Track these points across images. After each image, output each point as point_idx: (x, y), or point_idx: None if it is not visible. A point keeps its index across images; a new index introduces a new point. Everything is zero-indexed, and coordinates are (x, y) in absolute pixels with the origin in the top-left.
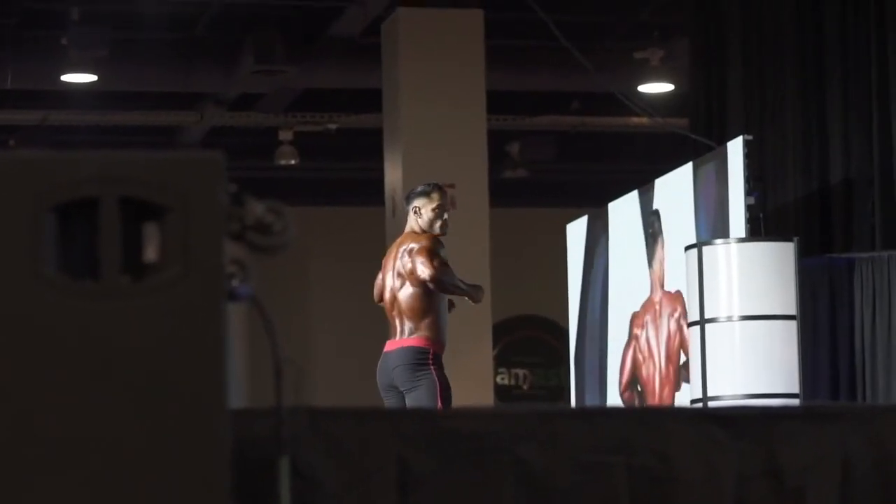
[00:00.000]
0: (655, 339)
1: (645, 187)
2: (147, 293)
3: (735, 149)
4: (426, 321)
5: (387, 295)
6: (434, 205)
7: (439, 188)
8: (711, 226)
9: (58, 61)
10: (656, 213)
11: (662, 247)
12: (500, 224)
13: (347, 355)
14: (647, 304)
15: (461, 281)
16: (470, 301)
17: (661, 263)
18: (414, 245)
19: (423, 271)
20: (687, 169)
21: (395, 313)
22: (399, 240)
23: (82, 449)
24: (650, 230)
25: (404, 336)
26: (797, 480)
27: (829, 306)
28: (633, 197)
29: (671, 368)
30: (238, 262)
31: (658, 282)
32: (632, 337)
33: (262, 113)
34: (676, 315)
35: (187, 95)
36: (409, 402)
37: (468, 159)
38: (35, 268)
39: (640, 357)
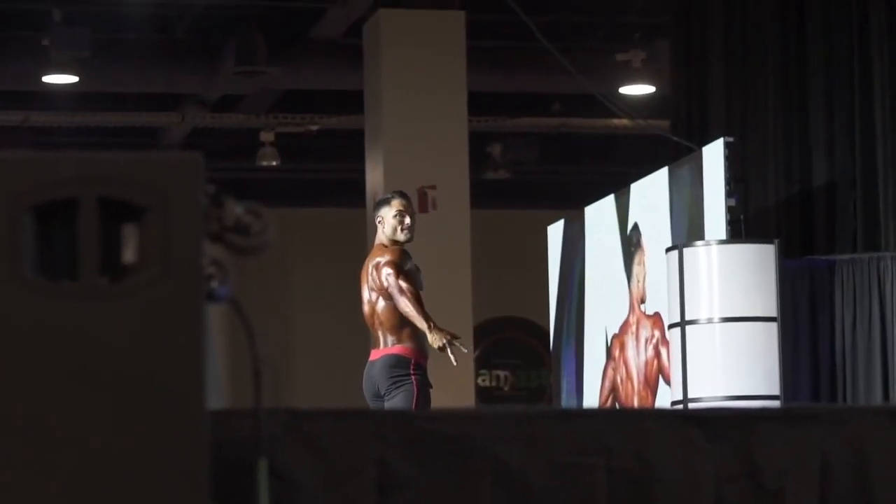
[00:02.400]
0: (635, 361)
1: (621, 191)
2: (126, 294)
3: (715, 151)
4: (406, 331)
5: (366, 308)
6: (394, 211)
7: (401, 194)
8: (686, 229)
9: (39, 62)
10: (636, 227)
11: (642, 263)
12: (482, 225)
13: (328, 356)
14: (625, 326)
15: (422, 310)
16: (427, 332)
17: (641, 281)
18: (380, 259)
19: (390, 281)
20: (663, 172)
21: (376, 325)
22: (370, 254)
23: (60, 449)
24: (629, 247)
25: (387, 346)
26: (776, 482)
27: (809, 308)
28: (609, 201)
29: (649, 393)
30: (217, 263)
31: (637, 300)
32: (611, 357)
33: (244, 114)
34: (654, 341)
35: (169, 97)
36: (387, 406)
37: (450, 160)
38: (13, 268)
39: (618, 379)
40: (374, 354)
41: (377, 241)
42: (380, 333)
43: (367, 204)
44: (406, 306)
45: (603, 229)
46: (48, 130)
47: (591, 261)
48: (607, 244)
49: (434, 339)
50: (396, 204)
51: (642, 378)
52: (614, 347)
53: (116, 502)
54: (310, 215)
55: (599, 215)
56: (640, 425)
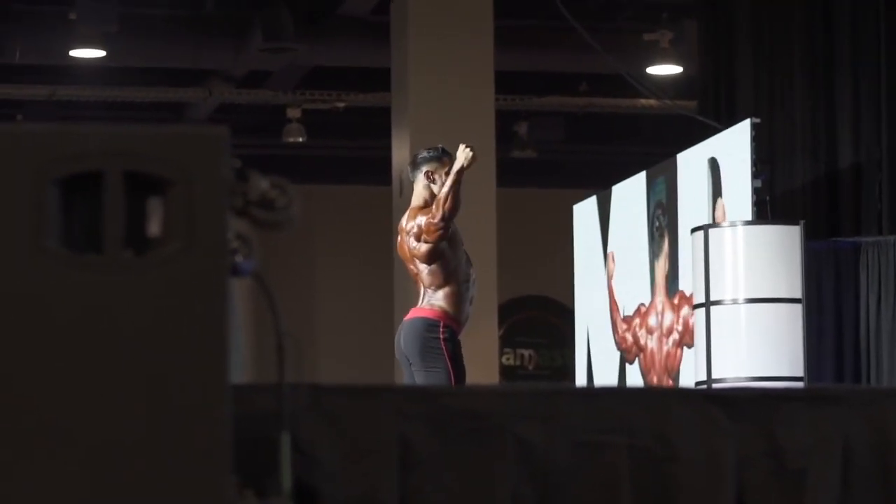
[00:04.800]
0: (658, 350)
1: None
2: (150, 267)
3: (741, 132)
4: (443, 291)
5: (410, 267)
6: (447, 169)
7: (448, 152)
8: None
9: (66, 36)
10: (660, 205)
11: (668, 243)
12: (507, 204)
13: (352, 333)
14: (650, 308)
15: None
16: (468, 166)
17: (666, 260)
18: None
19: (431, 232)
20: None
21: (416, 279)
22: (408, 216)
23: (83, 423)
24: (655, 224)
25: (421, 304)
26: (798, 462)
27: (834, 290)
28: (639, 179)
29: (666, 374)
30: (242, 238)
31: (663, 281)
32: (636, 314)
33: (271, 90)
34: (675, 336)
35: (196, 72)
36: (417, 380)
37: (476, 139)
38: (37, 241)
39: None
40: (409, 314)
41: (419, 202)
42: (420, 288)
43: (393, 182)
44: (446, 198)
45: (628, 210)
46: (74, 105)
47: (613, 242)
48: (631, 226)
49: (464, 157)
50: (448, 161)
51: (664, 368)
52: (639, 325)
53: (137, 475)
54: (335, 192)
55: (625, 196)
56: (662, 404)
